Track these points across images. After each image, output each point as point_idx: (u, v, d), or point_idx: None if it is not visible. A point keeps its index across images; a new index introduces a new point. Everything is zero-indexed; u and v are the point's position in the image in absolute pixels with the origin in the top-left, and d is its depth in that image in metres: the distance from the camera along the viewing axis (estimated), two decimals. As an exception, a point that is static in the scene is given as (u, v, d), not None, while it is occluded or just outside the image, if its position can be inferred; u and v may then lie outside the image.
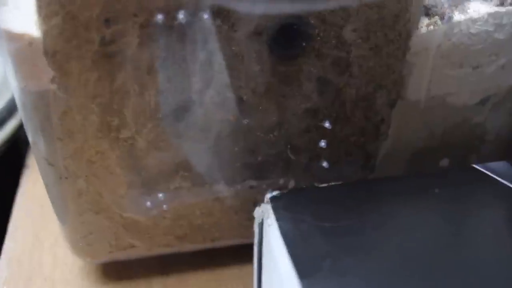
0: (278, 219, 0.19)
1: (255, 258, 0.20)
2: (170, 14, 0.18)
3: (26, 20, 0.18)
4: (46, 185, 0.22)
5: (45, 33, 0.18)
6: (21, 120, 0.30)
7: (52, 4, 0.17)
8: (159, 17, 0.18)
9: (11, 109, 0.31)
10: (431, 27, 0.20)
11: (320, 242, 0.18)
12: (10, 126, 0.31)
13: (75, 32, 0.18)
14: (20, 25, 0.18)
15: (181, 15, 0.18)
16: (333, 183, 0.21)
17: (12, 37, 0.18)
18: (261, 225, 0.20)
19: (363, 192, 0.20)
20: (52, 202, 0.22)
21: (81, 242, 0.23)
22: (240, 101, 0.21)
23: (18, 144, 0.32)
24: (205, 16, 0.18)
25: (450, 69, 0.21)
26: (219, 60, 0.19)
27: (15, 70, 0.19)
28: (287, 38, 0.19)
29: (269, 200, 0.20)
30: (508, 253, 0.17)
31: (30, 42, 0.18)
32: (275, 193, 0.20)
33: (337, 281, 0.16)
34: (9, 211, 0.29)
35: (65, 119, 0.19)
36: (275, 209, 0.19)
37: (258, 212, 0.20)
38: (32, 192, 0.30)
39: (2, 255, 0.26)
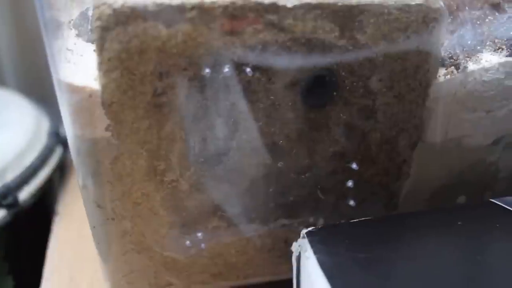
0: (315, 252, 0.20)
1: (294, 291, 0.21)
2: (216, 68, 0.20)
3: (86, 75, 0.20)
4: (93, 227, 0.23)
5: (104, 86, 0.19)
6: (52, 169, 0.32)
7: (112, 60, 0.19)
8: (207, 70, 0.20)
9: (43, 159, 0.33)
10: (448, 76, 0.22)
11: (357, 272, 0.19)
12: (42, 175, 0.32)
13: (131, 85, 0.20)
14: (80, 79, 0.20)
15: (226, 69, 0.20)
16: (363, 219, 0.22)
17: (74, 90, 0.20)
18: (298, 258, 0.21)
19: (391, 225, 0.22)
20: (97, 243, 0.24)
21: (122, 281, 0.24)
22: (274, 146, 0.22)
23: (50, 192, 0.33)
24: (247, 69, 0.20)
25: (466, 114, 0.23)
26: (256, 109, 0.21)
27: (73, 120, 0.20)
28: (319, 88, 0.21)
29: (305, 235, 0.21)
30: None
31: (90, 94, 0.20)
32: (310, 228, 0.21)
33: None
34: (42, 257, 0.30)
35: (116, 163, 0.21)
36: (312, 243, 0.21)
37: (295, 246, 0.21)
38: (65, 238, 0.31)
39: (41, 297, 0.27)
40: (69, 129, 0.21)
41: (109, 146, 0.21)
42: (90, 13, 0.22)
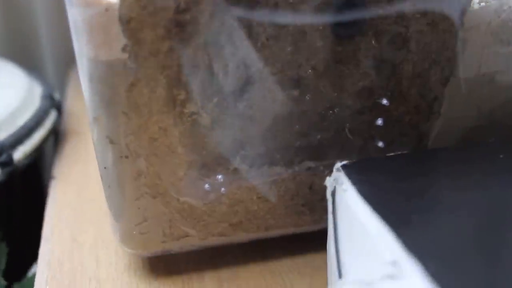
0: (354, 183, 0.18)
1: (331, 228, 0.20)
2: (245, -18, 0.18)
3: (102, -13, 0.18)
4: (103, 168, 0.21)
5: (123, -1, 0.18)
6: (47, 131, 0.30)
7: (132, -33, 0.17)
8: (235, -16, 0.18)
9: (37, 120, 0.30)
10: (483, 3, 0.21)
11: (401, 201, 0.18)
12: (37, 136, 0.30)
13: (152, -3, 0.18)
14: (96, -9, 0.18)
15: (254, -16, 0.18)
16: (399, 153, 0.21)
17: (88, 3, 0.18)
18: (333, 193, 0.19)
19: (429, 158, 0.21)
20: (107, 186, 0.21)
21: (134, 230, 0.22)
22: (300, 78, 0.21)
23: (44, 157, 0.31)
24: (278, -16, 0.19)
25: (500, 47, 0.22)
26: (285, 34, 0.20)
27: (86, 39, 0.18)
28: (350, 10, 0.20)
29: (340, 168, 0.19)
30: None
31: (107, 8, 0.18)
32: (343, 162, 0.20)
33: (431, 232, 0.16)
34: (38, 224, 0.28)
35: (132, 91, 0.19)
36: (349, 175, 0.19)
37: (329, 181, 0.20)
38: (62, 201, 0.29)
39: (40, 257, 0.25)
40: (81, 50, 0.19)
41: (125, 71, 0.19)
42: None
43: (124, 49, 0.19)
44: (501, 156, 0.20)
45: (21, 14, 0.41)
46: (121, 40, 0.18)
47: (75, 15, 0.18)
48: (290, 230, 0.24)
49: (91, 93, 0.20)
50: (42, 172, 0.31)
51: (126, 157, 0.20)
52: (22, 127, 0.29)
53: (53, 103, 0.33)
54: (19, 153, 0.28)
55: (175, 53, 0.19)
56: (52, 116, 0.32)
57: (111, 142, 0.20)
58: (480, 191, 0.18)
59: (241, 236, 0.23)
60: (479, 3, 0.21)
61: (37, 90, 0.33)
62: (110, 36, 0.18)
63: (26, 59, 0.41)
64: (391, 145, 0.23)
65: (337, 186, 0.19)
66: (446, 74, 0.22)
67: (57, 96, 0.35)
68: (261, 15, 0.19)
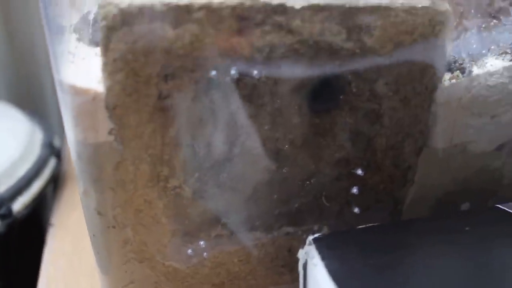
0: (323, 259, 0.20)
1: (303, 300, 0.21)
2: (223, 70, 0.20)
3: (90, 77, 0.19)
4: (93, 235, 0.22)
5: (109, 88, 0.19)
6: (46, 180, 0.31)
7: (117, 61, 0.19)
8: (213, 73, 0.19)
9: (37, 170, 0.32)
10: (453, 80, 0.22)
11: (367, 278, 0.19)
12: (36, 186, 0.31)
13: (136, 87, 0.19)
14: (84, 81, 0.19)
15: (232, 71, 0.20)
16: (369, 225, 0.22)
17: (77, 92, 0.19)
18: (305, 266, 0.21)
19: (398, 231, 0.22)
20: (97, 253, 0.23)
21: (122, 292, 0.23)
22: (278, 151, 0.22)
23: (43, 204, 0.33)
24: (254, 72, 0.20)
25: (470, 119, 0.23)
26: (262, 113, 0.21)
27: (75, 123, 0.20)
28: (325, 92, 0.21)
29: (311, 241, 0.21)
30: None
31: (94, 97, 0.19)
32: (316, 235, 0.21)
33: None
34: (36, 270, 0.29)
35: (119, 169, 0.21)
36: (319, 249, 0.20)
37: (301, 253, 0.21)
38: (60, 249, 0.30)
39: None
40: (70, 133, 0.20)
41: (112, 151, 0.20)
42: (90, 17, 0.22)
43: (110, 132, 0.20)
44: (466, 228, 0.21)
45: (25, 59, 0.43)
46: (107, 124, 0.20)
47: (65, 101, 0.20)
48: (272, 289, 0.25)
49: (79, 170, 0.21)
50: (42, 218, 0.33)
51: (114, 227, 0.22)
52: (22, 178, 0.30)
53: (53, 150, 0.34)
54: (19, 204, 0.30)
55: (158, 134, 0.20)
56: (51, 164, 0.33)
57: (99, 213, 0.22)
58: (444, 267, 0.19)
59: (224, 296, 0.25)
60: (450, 80, 0.22)
61: (38, 137, 0.35)
62: (97, 121, 0.20)
63: (29, 102, 0.43)
64: (366, 211, 0.24)
65: (308, 260, 0.20)
66: (419, 145, 0.23)
67: (57, 142, 0.36)
68: (240, 98, 0.20)
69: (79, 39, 0.22)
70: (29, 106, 0.40)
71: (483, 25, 0.22)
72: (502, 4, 0.24)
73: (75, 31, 0.22)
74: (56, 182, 0.35)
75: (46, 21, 0.21)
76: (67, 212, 0.33)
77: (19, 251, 0.31)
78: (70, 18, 0.22)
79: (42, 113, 0.44)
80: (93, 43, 0.21)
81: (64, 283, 0.27)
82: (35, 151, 0.33)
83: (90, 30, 0.21)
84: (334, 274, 0.19)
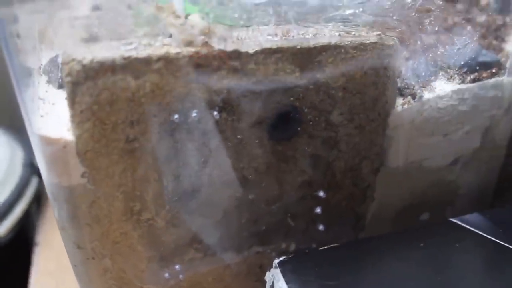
0: (287, 282, 0.21)
1: (270, 319, 0.22)
2: (184, 113, 0.21)
3: (59, 124, 0.21)
4: (74, 265, 0.24)
5: (78, 136, 0.20)
6: (29, 201, 0.32)
7: (84, 112, 0.20)
8: (175, 116, 0.21)
9: (19, 191, 0.33)
10: (405, 105, 0.24)
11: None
12: (19, 209, 0.33)
13: (104, 133, 0.20)
14: (54, 131, 0.20)
15: (193, 114, 0.21)
16: (331, 245, 0.23)
17: (48, 142, 0.20)
18: (272, 287, 0.22)
19: (358, 251, 0.23)
20: (79, 280, 0.24)
21: (105, 315, 0.25)
22: (244, 179, 0.23)
23: (28, 224, 0.34)
24: (214, 112, 0.21)
25: (424, 139, 0.25)
26: (225, 147, 0.22)
27: (49, 169, 0.21)
28: (283, 124, 0.22)
29: (277, 265, 0.22)
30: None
31: (64, 145, 0.20)
32: (282, 258, 0.23)
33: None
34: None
35: (93, 207, 0.22)
36: (284, 273, 0.22)
37: (268, 276, 0.22)
38: (46, 268, 0.31)
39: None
40: (45, 177, 0.22)
41: (86, 191, 0.22)
42: (59, 60, 0.23)
43: (83, 176, 0.21)
44: (421, 244, 0.23)
45: (4, 76, 0.43)
46: (79, 168, 0.21)
47: (37, 149, 0.21)
48: (246, 302, 0.27)
49: (56, 209, 0.22)
50: (27, 237, 0.34)
51: (93, 258, 0.23)
52: (5, 203, 0.31)
53: (34, 169, 0.35)
54: (3, 229, 0.31)
55: (128, 173, 0.22)
56: (33, 184, 0.34)
57: (78, 247, 0.23)
58: (399, 284, 0.21)
59: (202, 312, 0.26)
60: (402, 105, 0.24)
61: (19, 157, 0.36)
62: (69, 166, 0.21)
63: (7, 120, 0.43)
64: (331, 227, 0.26)
65: (274, 282, 0.22)
66: (376, 166, 0.25)
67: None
68: (203, 136, 0.22)
69: (48, 82, 0.23)
70: (8, 124, 0.41)
71: (431, 54, 0.23)
72: (456, 20, 0.25)
73: (44, 73, 0.23)
74: (39, 201, 0.36)
75: (11, 65, 0.21)
76: (52, 230, 0.34)
77: (6, 273, 0.32)
78: (39, 60, 0.23)
79: (22, 131, 0.45)
80: (62, 87, 0.22)
81: (51, 303, 0.29)
82: (17, 172, 0.34)
83: (59, 75, 0.22)
84: (297, 297, 0.20)
